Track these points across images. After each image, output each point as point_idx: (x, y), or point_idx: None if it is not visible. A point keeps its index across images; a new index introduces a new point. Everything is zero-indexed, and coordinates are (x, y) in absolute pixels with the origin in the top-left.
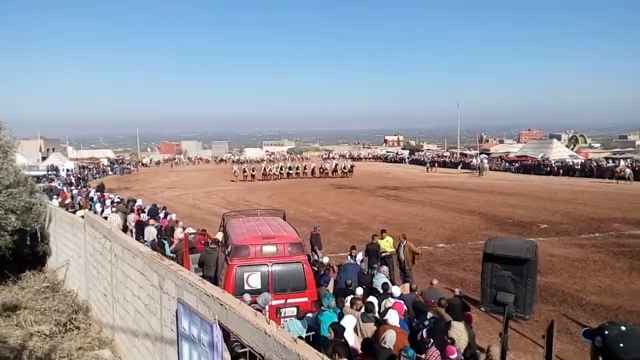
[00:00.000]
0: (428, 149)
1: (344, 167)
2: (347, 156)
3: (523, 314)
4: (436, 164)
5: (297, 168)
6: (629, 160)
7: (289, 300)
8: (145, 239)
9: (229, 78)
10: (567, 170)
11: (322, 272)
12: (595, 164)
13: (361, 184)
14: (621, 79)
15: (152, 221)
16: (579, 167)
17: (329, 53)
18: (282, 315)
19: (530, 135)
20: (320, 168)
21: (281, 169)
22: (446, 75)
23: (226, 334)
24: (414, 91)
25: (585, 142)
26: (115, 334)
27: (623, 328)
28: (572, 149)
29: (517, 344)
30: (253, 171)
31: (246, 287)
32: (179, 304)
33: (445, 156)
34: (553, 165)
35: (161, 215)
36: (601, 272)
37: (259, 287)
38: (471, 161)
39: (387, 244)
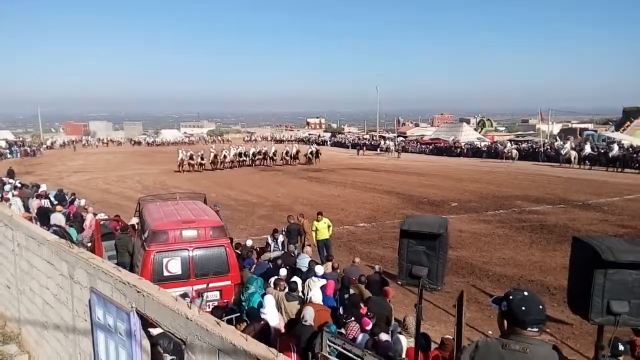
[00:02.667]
0: (349, 132)
1: (311, 152)
2: (269, 139)
3: (435, 285)
4: (364, 147)
5: (260, 153)
6: (528, 142)
7: (211, 285)
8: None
9: (143, 54)
10: (475, 152)
11: (246, 254)
12: (500, 146)
13: (284, 166)
14: (523, 68)
15: (59, 207)
16: (486, 149)
17: (251, 33)
18: (205, 300)
19: (442, 119)
20: (286, 153)
21: (239, 155)
22: (366, 59)
23: (145, 321)
24: (336, 75)
25: (492, 126)
26: (22, 328)
27: (525, 293)
28: (480, 132)
29: (431, 314)
30: (202, 159)
31: (165, 274)
32: (92, 293)
33: (366, 139)
34: (463, 147)
35: (70, 200)
36: (505, 246)
37: (179, 272)
38: (379, 143)
39: (323, 226)
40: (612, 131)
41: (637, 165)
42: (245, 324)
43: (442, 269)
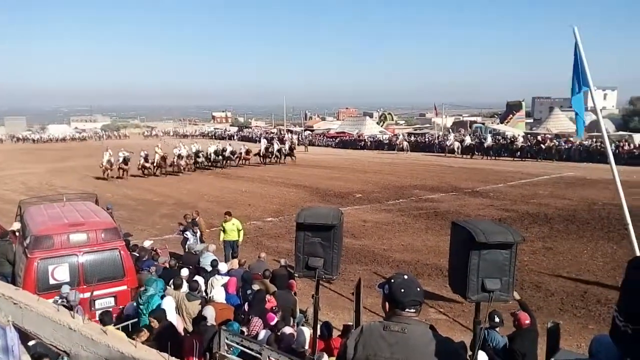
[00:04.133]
0: (256, 126)
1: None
2: (172, 133)
3: (331, 275)
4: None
5: (231, 153)
6: (424, 135)
7: (105, 291)
8: None
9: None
10: (377, 144)
11: (145, 257)
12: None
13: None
14: (422, 65)
15: None
16: (387, 141)
17: (152, 22)
18: (98, 307)
19: (347, 113)
20: (266, 149)
21: (197, 155)
22: (274, 53)
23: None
24: (244, 67)
25: (392, 120)
26: None
27: (405, 277)
28: (382, 126)
29: (335, 303)
30: (147, 161)
31: (52, 282)
32: None
33: (273, 132)
34: (366, 140)
35: None
36: (404, 233)
37: (68, 280)
38: (283, 136)
39: (232, 227)
40: (498, 123)
41: (506, 154)
42: (145, 329)
43: (337, 258)
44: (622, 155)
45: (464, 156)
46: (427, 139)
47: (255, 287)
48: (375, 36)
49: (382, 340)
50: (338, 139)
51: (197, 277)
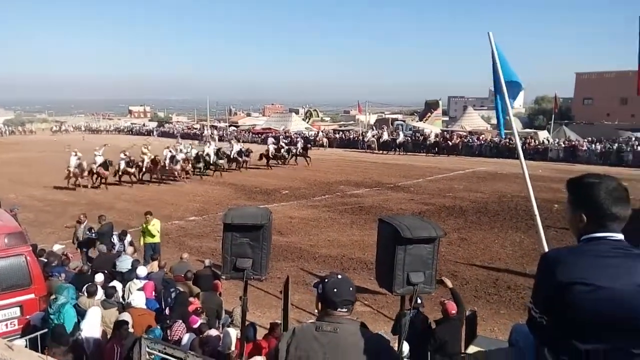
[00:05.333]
0: (178, 121)
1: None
2: (84, 129)
3: (260, 275)
4: (217, 137)
5: (238, 153)
6: (350, 131)
7: (10, 300)
8: None
9: None
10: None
11: (54, 262)
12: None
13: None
14: (344, 64)
15: None
16: (313, 137)
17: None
18: (1, 319)
19: (273, 109)
20: (277, 150)
21: (198, 159)
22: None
23: None
24: (166, 60)
25: (318, 116)
26: None
27: (339, 277)
28: (308, 122)
29: (263, 301)
30: (129, 166)
31: None
32: None
33: (196, 128)
34: (293, 137)
35: None
36: (330, 228)
37: None
38: (202, 132)
39: (152, 228)
40: (417, 121)
41: (425, 150)
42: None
43: (266, 259)
44: (528, 151)
45: (382, 152)
46: (351, 136)
47: (178, 289)
48: (300, 33)
49: (315, 341)
50: (264, 135)
51: (114, 283)
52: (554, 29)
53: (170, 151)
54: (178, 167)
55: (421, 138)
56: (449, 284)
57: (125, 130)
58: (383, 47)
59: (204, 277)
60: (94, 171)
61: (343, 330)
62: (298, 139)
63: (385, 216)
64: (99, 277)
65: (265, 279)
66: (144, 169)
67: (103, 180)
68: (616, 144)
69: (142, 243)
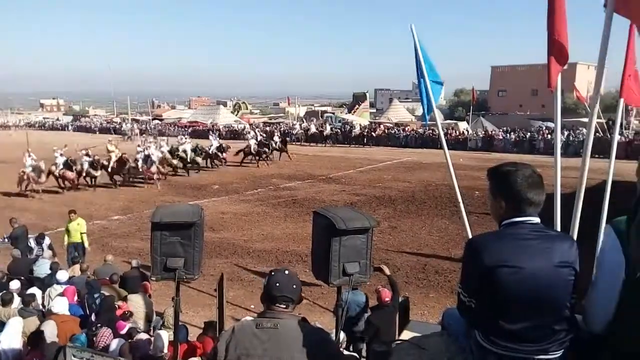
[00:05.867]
0: (96, 115)
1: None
2: None
3: (193, 275)
4: (139, 132)
5: (219, 149)
6: (280, 124)
7: None
8: None
9: None
10: (233, 134)
11: None
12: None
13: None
14: (274, 55)
15: None
16: (240, 131)
17: None
18: None
19: (199, 101)
20: (260, 145)
21: (179, 155)
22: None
23: None
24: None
25: (247, 109)
26: None
27: (286, 272)
28: (236, 115)
29: (196, 300)
30: (94, 167)
31: None
32: None
33: (116, 122)
34: (221, 130)
35: None
36: (264, 222)
37: None
38: (121, 126)
39: (77, 228)
40: (346, 113)
41: (354, 142)
42: None
43: (198, 257)
44: (450, 141)
45: (311, 144)
46: (281, 129)
47: (103, 293)
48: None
49: (255, 338)
50: (191, 128)
51: (32, 289)
52: (472, 23)
53: (144, 150)
54: (154, 168)
55: (346, 130)
56: (387, 271)
57: (37, 125)
58: (311, 39)
59: (131, 278)
60: (57, 174)
61: (283, 325)
62: (274, 133)
63: (320, 209)
64: (15, 284)
65: (198, 278)
66: (109, 170)
67: (68, 184)
68: (529, 133)
69: (65, 243)
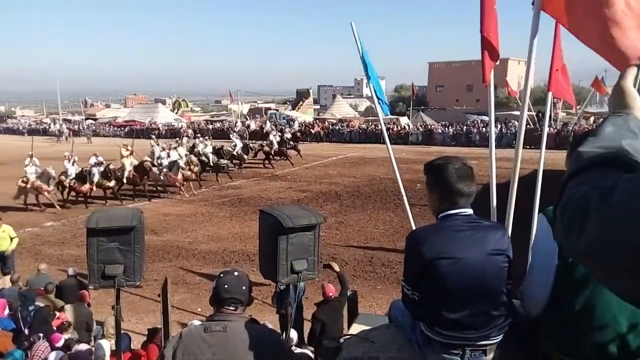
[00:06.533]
0: (23, 116)
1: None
2: None
3: (133, 281)
4: (71, 132)
5: (243, 150)
6: (223, 122)
7: None
8: None
9: None
10: (173, 133)
11: None
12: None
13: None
14: (213, 51)
15: None
16: (178, 129)
17: None
18: None
19: (136, 99)
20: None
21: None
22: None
23: None
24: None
25: (187, 107)
26: None
27: (236, 274)
28: (176, 113)
29: (138, 306)
30: (108, 177)
31: None
32: None
33: (46, 123)
34: (161, 129)
35: None
36: (209, 222)
37: None
38: (49, 127)
39: (4, 235)
40: (290, 110)
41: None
42: None
43: (139, 262)
44: (392, 136)
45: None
46: (225, 126)
47: (37, 305)
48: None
49: (203, 342)
50: (128, 127)
51: None
52: (408, 19)
53: (167, 153)
54: (180, 176)
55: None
56: (336, 267)
57: None
58: (254, 34)
59: (68, 287)
60: (68, 184)
61: (232, 328)
62: (285, 128)
63: (266, 207)
64: None
65: (140, 284)
66: (124, 180)
67: (79, 197)
68: (465, 127)
69: None
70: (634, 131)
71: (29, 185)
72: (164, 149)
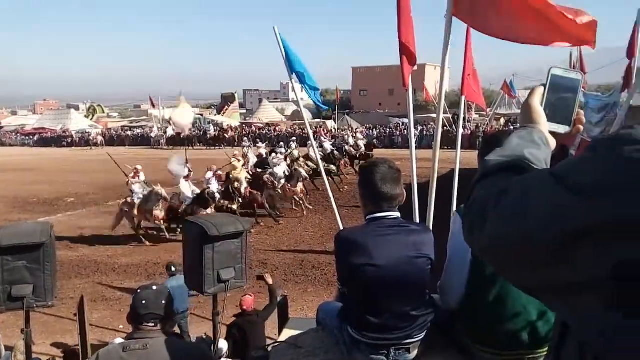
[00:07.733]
0: None
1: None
2: None
3: (45, 301)
4: None
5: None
6: (143, 128)
7: None
8: None
9: None
10: (88, 141)
11: None
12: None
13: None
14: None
15: None
16: (100, 136)
17: None
18: None
19: (46, 105)
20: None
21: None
22: None
23: None
24: None
25: (104, 112)
26: None
27: (154, 288)
28: (91, 119)
29: (54, 328)
30: (232, 198)
31: None
32: None
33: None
34: (74, 136)
35: None
36: (130, 234)
37: None
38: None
39: None
40: (215, 114)
41: (218, 144)
42: None
43: (51, 281)
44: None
45: (172, 148)
46: (144, 133)
47: None
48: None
49: None
50: (37, 135)
51: None
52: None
53: (278, 164)
54: (299, 187)
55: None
56: (269, 280)
57: None
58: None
59: None
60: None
61: (153, 345)
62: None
63: (191, 216)
64: None
65: (52, 304)
66: (240, 200)
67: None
68: (388, 129)
69: None
70: (537, 142)
71: (135, 210)
72: (272, 158)
